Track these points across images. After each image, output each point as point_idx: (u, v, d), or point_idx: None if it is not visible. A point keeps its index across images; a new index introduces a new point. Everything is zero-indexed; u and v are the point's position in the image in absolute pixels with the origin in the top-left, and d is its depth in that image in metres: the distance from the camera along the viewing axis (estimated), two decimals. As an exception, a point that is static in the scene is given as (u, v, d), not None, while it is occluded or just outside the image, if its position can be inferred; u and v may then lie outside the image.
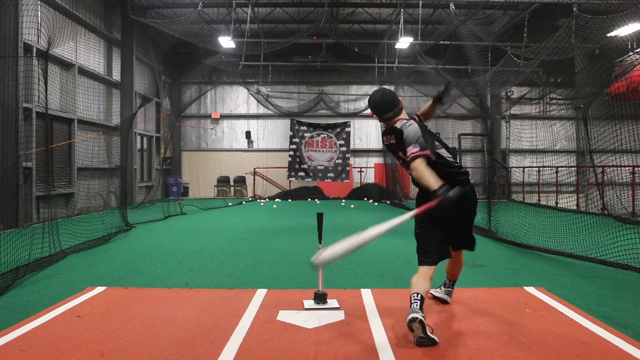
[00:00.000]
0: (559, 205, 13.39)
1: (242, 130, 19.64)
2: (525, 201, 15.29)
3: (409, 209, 12.26)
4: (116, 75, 14.08)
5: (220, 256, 6.09)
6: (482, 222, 8.09)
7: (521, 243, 6.73)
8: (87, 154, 11.86)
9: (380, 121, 3.56)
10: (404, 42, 14.33)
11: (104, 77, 13.32)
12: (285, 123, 18.70)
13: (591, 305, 3.88)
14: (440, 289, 3.99)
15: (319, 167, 16.84)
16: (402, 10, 13.73)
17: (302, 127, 17.03)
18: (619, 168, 10.92)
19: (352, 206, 14.30)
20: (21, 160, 8.92)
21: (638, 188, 11.16)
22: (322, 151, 16.95)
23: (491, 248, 6.70)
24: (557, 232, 7.34)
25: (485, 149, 17.24)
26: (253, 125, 19.70)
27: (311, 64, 18.32)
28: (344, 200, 16.62)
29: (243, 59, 15.87)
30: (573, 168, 13.72)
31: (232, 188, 19.50)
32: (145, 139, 16.86)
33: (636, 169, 10.95)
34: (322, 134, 17.03)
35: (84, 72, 12.14)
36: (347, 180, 17.09)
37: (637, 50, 12.79)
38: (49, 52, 7.74)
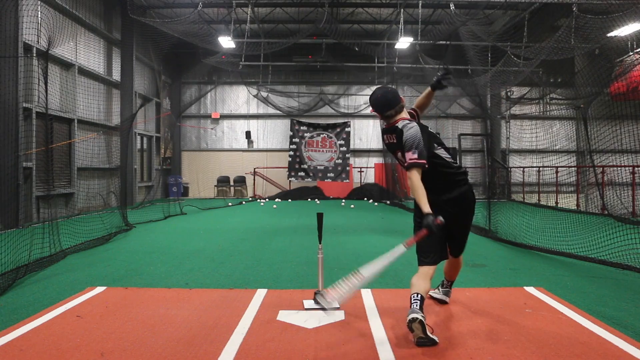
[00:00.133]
0: (559, 205, 13.39)
1: (242, 130, 19.64)
2: (525, 201, 15.29)
3: (409, 209, 12.22)
4: (116, 75, 14.08)
5: (220, 256, 6.09)
6: (482, 222, 8.09)
7: (521, 243, 6.73)
8: (87, 154, 11.86)
9: (381, 119, 3.56)
10: (404, 42, 14.34)
11: (104, 77, 13.32)
12: (285, 123, 18.70)
13: (591, 305, 3.88)
14: (438, 289, 4.00)
15: (319, 167, 16.83)
16: (402, 10, 13.74)
17: (302, 127, 17.01)
18: (619, 168, 10.92)
19: (352, 206, 14.29)
20: (21, 160, 8.92)
21: (638, 188, 11.15)
22: (322, 151, 16.93)
23: (491, 248, 6.70)
24: (557, 232, 7.34)
25: (485, 149, 17.23)
26: (253, 125, 19.70)
27: (311, 64, 18.32)
28: (344, 200, 16.62)
29: (243, 59, 15.86)
30: (573, 168, 13.71)
31: (232, 188, 19.49)
32: (145, 139, 16.85)
33: (636, 169, 10.95)
34: (322, 134, 17.01)
35: (84, 72, 12.14)
36: (347, 180, 17.08)
37: (637, 50, 12.79)
38: (49, 52, 7.74)
